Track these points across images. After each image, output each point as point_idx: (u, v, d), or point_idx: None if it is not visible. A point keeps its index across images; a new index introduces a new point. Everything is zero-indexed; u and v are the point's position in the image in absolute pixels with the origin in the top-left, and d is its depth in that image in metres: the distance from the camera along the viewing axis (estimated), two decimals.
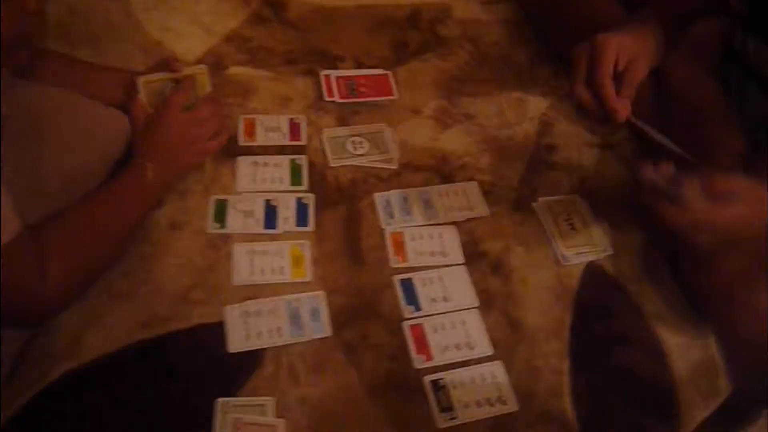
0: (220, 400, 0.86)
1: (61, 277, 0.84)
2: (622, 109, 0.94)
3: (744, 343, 0.99)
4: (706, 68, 1.15)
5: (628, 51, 0.96)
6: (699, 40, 1.18)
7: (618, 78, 0.96)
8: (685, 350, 0.99)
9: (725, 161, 1.01)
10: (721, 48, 1.15)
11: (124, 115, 1.03)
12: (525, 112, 1.27)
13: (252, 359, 0.91)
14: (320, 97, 1.23)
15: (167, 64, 1.06)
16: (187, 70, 1.06)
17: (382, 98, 1.24)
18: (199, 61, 1.25)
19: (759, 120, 1.06)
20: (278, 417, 0.86)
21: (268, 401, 0.87)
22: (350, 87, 1.24)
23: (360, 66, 1.30)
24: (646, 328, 1.01)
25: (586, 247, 1.07)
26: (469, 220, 1.09)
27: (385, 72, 1.28)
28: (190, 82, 1.04)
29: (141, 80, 1.03)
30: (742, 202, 0.81)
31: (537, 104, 1.28)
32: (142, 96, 1.02)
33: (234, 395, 0.88)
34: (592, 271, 1.06)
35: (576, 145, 1.23)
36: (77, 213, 0.90)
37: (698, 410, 0.94)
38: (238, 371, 0.90)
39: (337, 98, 1.22)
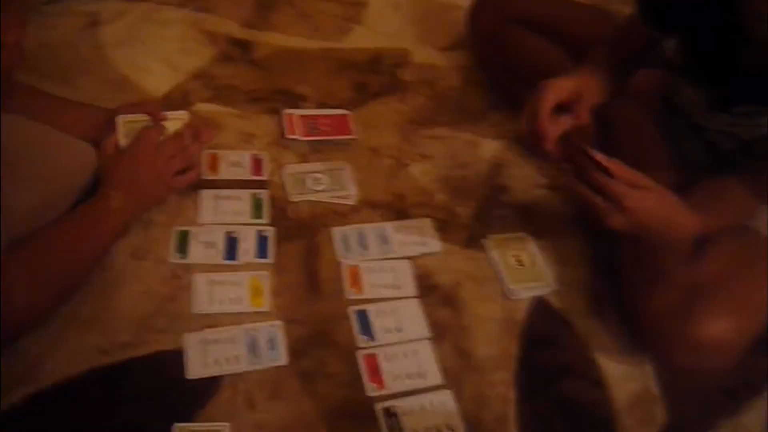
0: (178, 425, 0.88)
1: (26, 300, 0.86)
2: (549, 142, 1.05)
3: (679, 372, 1.04)
4: (646, 115, 1.24)
5: (570, 91, 1.07)
6: (640, 90, 1.26)
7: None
8: (624, 381, 1.04)
9: None
10: (660, 97, 1.24)
11: (91, 148, 1.06)
12: (478, 153, 1.33)
13: (210, 386, 0.93)
14: (282, 134, 1.28)
15: (151, 110, 1.10)
16: (171, 116, 1.11)
17: (343, 137, 1.29)
18: (166, 97, 1.29)
19: (691, 161, 1.14)
20: None
21: (225, 427, 0.89)
22: (312, 126, 1.29)
23: (322, 106, 1.35)
24: (589, 359, 1.06)
25: (533, 283, 1.13)
26: (422, 255, 1.14)
27: (345, 112, 1.34)
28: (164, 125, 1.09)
29: (120, 119, 1.07)
30: (652, 193, 0.94)
31: (490, 146, 1.35)
32: (120, 133, 1.06)
33: (192, 420, 0.90)
34: (538, 305, 1.11)
35: (526, 186, 1.29)
36: (43, 238, 0.92)
37: None
38: (196, 397, 0.92)
39: (298, 136, 1.27)
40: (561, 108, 1.09)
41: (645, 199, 0.93)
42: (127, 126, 1.08)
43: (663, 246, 1.00)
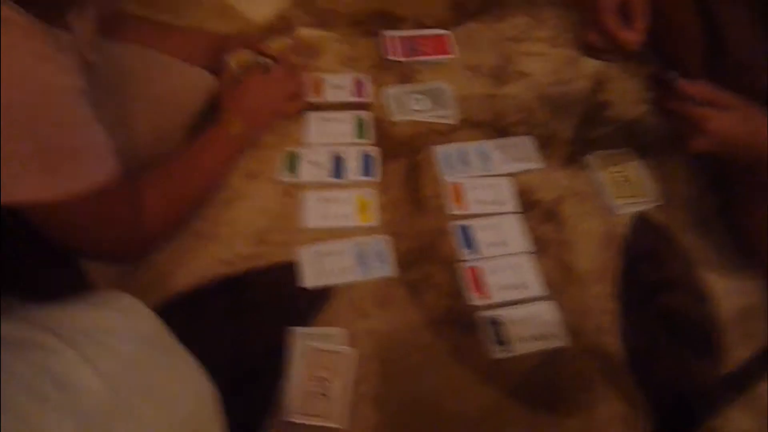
0: (296, 329, 0.96)
1: (157, 217, 0.93)
2: (631, 38, 0.97)
3: None
4: (759, 18, 1.18)
5: None
6: None
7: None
8: (730, 295, 1.04)
9: None
10: None
11: (207, 73, 1.12)
12: (579, 69, 1.31)
13: (324, 295, 1.00)
14: (383, 56, 1.30)
15: (254, 44, 1.16)
16: (273, 44, 1.17)
17: (442, 57, 1.30)
18: (269, 25, 1.33)
19: None
20: (349, 346, 0.95)
21: (339, 332, 0.96)
22: (411, 46, 1.31)
23: (420, 26, 1.36)
24: (693, 273, 1.06)
25: (636, 198, 1.13)
26: (524, 171, 1.15)
27: (444, 32, 1.34)
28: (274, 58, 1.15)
29: (231, 57, 1.13)
30: (736, 113, 0.91)
31: (591, 62, 1.32)
32: (233, 67, 1.12)
33: (308, 326, 0.97)
34: (641, 220, 1.11)
35: (629, 101, 1.27)
36: (172, 161, 0.99)
37: (740, 350, 0.99)
38: (312, 305, 0.99)
39: (399, 57, 1.29)
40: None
41: (727, 120, 0.90)
42: (238, 62, 1.13)
43: (750, 165, 0.97)
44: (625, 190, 1.13)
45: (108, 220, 0.86)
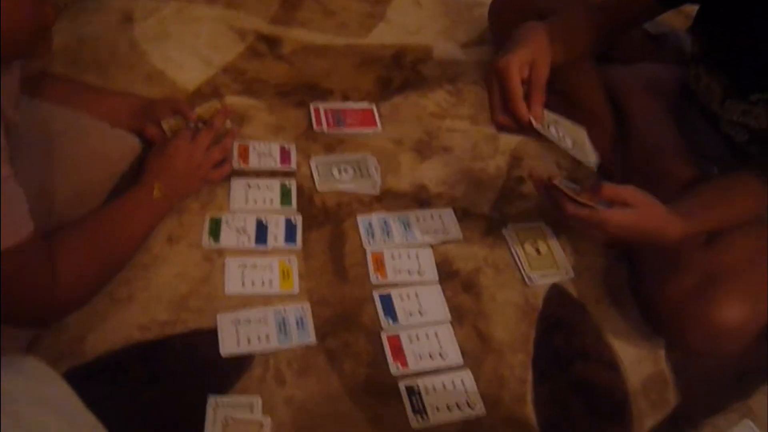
0: (212, 397, 0.94)
1: (72, 280, 0.91)
2: (535, 118, 1.02)
3: (694, 355, 1.09)
4: (664, 108, 1.27)
5: (526, 61, 1.04)
6: (658, 83, 1.30)
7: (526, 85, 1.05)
8: (638, 364, 1.09)
9: (676, 188, 1.12)
10: (678, 91, 1.27)
11: (130, 136, 1.12)
12: (497, 146, 1.37)
13: (242, 362, 0.99)
14: (310, 126, 1.33)
15: (182, 112, 1.18)
16: (203, 108, 1.20)
17: (367, 129, 1.34)
18: (197, 91, 1.35)
19: (708, 154, 1.17)
20: (265, 415, 0.93)
21: (256, 400, 0.95)
22: (338, 118, 1.34)
23: (347, 99, 1.40)
24: (604, 343, 1.10)
25: (550, 270, 1.17)
26: (444, 242, 1.18)
27: (369, 106, 1.39)
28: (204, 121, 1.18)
29: (164, 123, 1.16)
30: (634, 211, 0.96)
31: (508, 140, 1.39)
32: (165, 131, 1.15)
33: (225, 394, 0.95)
34: (555, 291, 1.16)
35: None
36: (89, 223, 0.98)
37: (648, 418, 1.03)
38: (229, 373, 0.97)
39: (325, 128, 1.32)
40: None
41: (626, 220, 0.96)
42: (171, 128, 1.16)
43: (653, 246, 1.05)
44: (539, 263, 1.18)
45: (21, 281, 0.84)
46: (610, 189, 0.97)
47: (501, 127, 1.06)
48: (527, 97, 1.03)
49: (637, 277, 1.15)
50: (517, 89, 1.02)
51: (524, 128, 1.03)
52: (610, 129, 1.30)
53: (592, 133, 1.10)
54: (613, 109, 1.31)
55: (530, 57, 1.04)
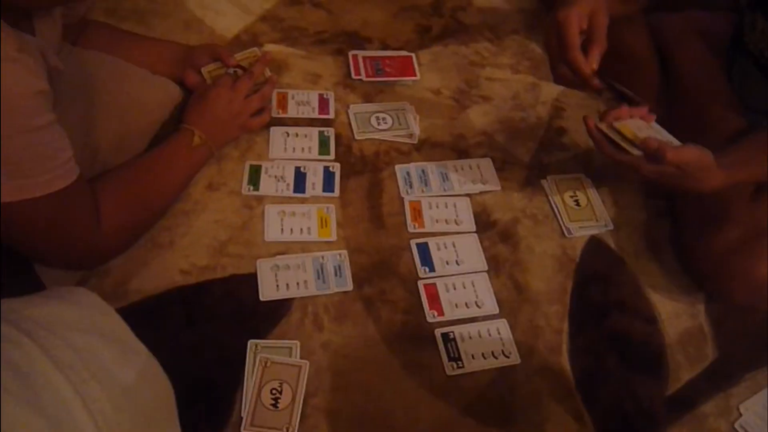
0: (251, 341, 0.96)
1: (115, 225, 0.93)
2: (593, 78, 1.02)
3: (737, 308, 1.08)
4: (713, 56, 1.24)
5: (585, 13, 1.03)
6: (708, 31, 1.26)
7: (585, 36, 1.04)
8: (676, 318, 1.08)
9: (722, 138, 1.09)
10: (729, 40, 1.23)
11: (171, 83, 1.13)
12: (538, 96, 1.35)
13: (281, 307, 1.00)
14: (348, 75, 1.32)
15: (222, 58, 1.18)
16: (241, 55, 1.19)
17: (406, 78, 1.33)
18: (236, 39, 1.34)
19: (757, 106, 1.14)
20: (302, 359, 0.96)
21: (294, 344, 0.97)
22: (376, 67, 1.33)
23: (386, 48, 1.38)
24: (642, 296, 1.09)
25: (589, 222, 1.16)
26: (482, 192, 1.18)
27: (409, 54, 1.37)
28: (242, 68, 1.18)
29: (204, 70, 1.17)
30: (690, 149, 0.95)
31: (550, 90, 1.36)
32: (206, 78, 1.16)
33: (264, 338, 0.97)
34: (593, 243, 1.15)
35: (584, 129, 1.30)
36: (131, 169, 1.00)
37: (685, 371, 1.03)
38: (268, 317, 0.99)
39: (363, 77, 1.31)
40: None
41: (685, 154, 0.95)
42: (211, 74, 1.16)
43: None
44: (578, 215, 1.16)
45: (66, 225, 0.86)
46: (674, 155, 0.94)
47: (560, 80, 1.06)
48: (585, 50, 1.02)
49: (679, 230, 1.14)
50: (576, 40, 1.01)
51: (583, 82, 1.03)
52: (656, 80, 1.26)
53: (637, 84, 1.08)
54: (660, 57, 1.28)
55: (589, 9, 1.03)
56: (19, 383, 0.37)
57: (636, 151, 0.97)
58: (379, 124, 1.24)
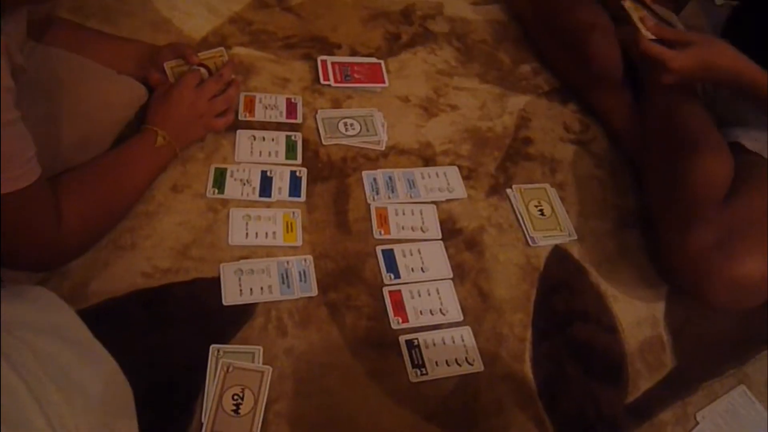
0: (214, 346, 0.95)
1: (75, 225, 0.91)
2: None
3: (696, 317, 1.10)
4: None
5: None
6: None
7: None
8: (636, 327, 1.10)
9: None
10: None
11: (136, 83, 1.11)
12: (505, 106, 1.37)
13: (244, 312, 0.99)
14: (316, 80, 1.31)
15: (187, 53, 1.16)
16: (206, 54, 1.18)
17: (374, 85, 1.33)
18: (204, 40, 1.33)
19: None
20: (265, 364, 0.95)
21: (257, 349, 0.96)
22: (345, 72, 1.33)
23: (355, 54, 1.39)
24: (604, 306, 1.11)
25: (553, 231, 1.17)
26: (448, 200, 1.18)
27: (378, 61, 1.37)
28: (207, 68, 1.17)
29: (167, 65, 1.15)
30: (696, 47, 1.09)
31: (517, 100, 1.38)
32: (170, 78, 1.13)
33: (227, 343, 0.96)
34: (557, 253, 1.16)
35: (551, 139, 1.33)
36: (93, 169, 0.98)
37: (644, 380, 1.05)
38: (231, 322, 0.98)
39: (332, 82, 1.31)
40: None
41: (686, 59, 1.08)
42: (173, 70, 1.13)
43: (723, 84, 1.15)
44: (543, 224, 1.18)
45: (26, 224, 0.84)
46: (674, 31, 1.11)
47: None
48: None
49: (655, 232, 1.15)
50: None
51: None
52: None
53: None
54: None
55: None
56: None
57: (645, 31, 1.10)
58: (347, 129, 1.24)
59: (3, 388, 0.36)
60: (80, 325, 0.48)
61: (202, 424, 0.88)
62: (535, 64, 1.46)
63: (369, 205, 1.15)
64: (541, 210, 1.20)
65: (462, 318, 1.04)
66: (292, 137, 1.21)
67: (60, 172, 0.97)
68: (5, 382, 0.37)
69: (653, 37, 1.11)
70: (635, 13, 1.12)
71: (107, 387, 0.45)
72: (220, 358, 0.94)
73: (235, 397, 0.91)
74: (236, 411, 0.90)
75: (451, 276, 1.09)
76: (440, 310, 1.04)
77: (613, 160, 1.32)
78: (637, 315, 1.11)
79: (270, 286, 1.02)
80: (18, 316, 0.42)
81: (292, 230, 1.09)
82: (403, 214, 1.14)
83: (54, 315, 0.46)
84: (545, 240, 1.16)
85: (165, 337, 0.96)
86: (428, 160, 1.24)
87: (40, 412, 0.38)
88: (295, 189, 1.14)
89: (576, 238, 1.17)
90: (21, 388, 0.38)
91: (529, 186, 1.23)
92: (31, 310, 0.44)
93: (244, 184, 1.13)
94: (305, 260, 1.06)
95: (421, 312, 1.03)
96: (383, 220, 1.13)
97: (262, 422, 0.89)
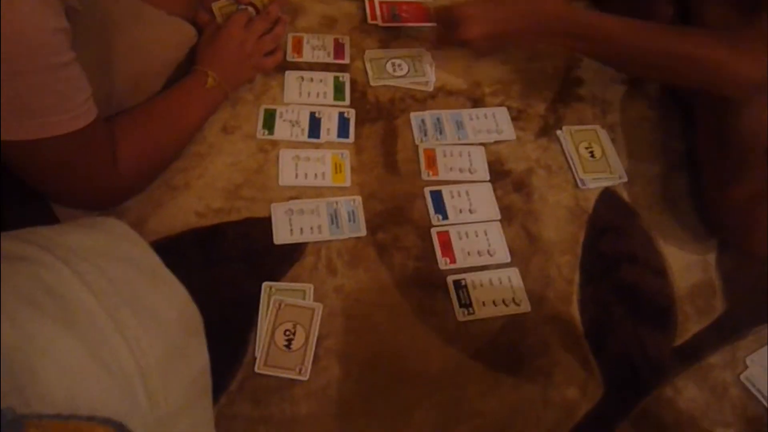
0: (266, 283, 0.97)
1: (131, 165, 0.94)
2: None
3: (747, 263, 1.08)
4: None
5: None
6: None
7: None
8: (686, 271, 1.08)
9: None
10: None
11: (187, 24, 1.12)
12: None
13: (294, 251, 1.01)
14: (364, 20, 1.30)
15: None
16: None
17: (423, 25, 1.31)
18: None
19: None
20: (316, 302, 0.97)
21: (308, 287, 0.98)
22: (393, 12, 1.31)
23: None
24: (653, 249, 1.10)
25: (603, 174, 1.16)
26: (496, 142, 1.17)
27: (426, 0, 1.35)
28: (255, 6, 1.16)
29: (215, 6, 1.14)
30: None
31: None
32: (218, 19, 1.12)
33: (277, 281, 0.98)
34: (607, 195, 1.15)
35: (602, 80, 1.30)
36: (146, 111, 1.00)
37: (693, 324, 1.04)
38: (282, 260, 1.00)
39: (379, 22, 1.29)
40: None
41: (476, 8, 1.04)
42: (221, 10, 1.13)
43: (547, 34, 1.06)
44: (593, 166, 1.16)
45: (84, 165, 0.87)
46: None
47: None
48: None
49: (700, 180, 1.13)
50: None
51: None
52: None
53: None
54: None
55: None
56: (54, 305, 0.38)
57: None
58: (394, 70, 1.23)
59: (81, 312, 0.38)
60: (153, 256, 0.50)
61: (255, 358, 0.91)
62: (588, 2, 1.42)
63: (417, 146, 1.14)
64: (591, 152, 1.18)
65: (509, 259, 1.05)
66: (340, 78, 1.21)
67: (113, 113, 0.99)
68: (84, 306, 0.39)
69: None
70: None
71: (180, 316, 0.47)
72: (272, 295, 0.96)
73: (287, 332, 0.93)
74: (288, 346, 0.93)
75: (499, 217, 1.09)
76: (488, 251, 1.05)
77: (666, 102, 1.28)
78: (687, 259, 1.09)
79: (319, 226, 1.03)
80: (94, 245, 0.44)
81: (340, 171, 1.09)
82: (451, 155, 1.14)
83: (128, 245, 0.48)
84: (595, 182, 1.15)
85: (219, 274, 0.98)
86: (477, 101, 1.22)
87: (118, 334, 0.40)
88: (343, 130, 1.14)
89: (626, 180, 1.16)
90: (99, 311, 0.40)
91: (580, 127, 1.21)
92: (106, 239, 0.46)
93: (294, 125, 1.13)
94: (354, 201, 1.07)
95: (468, 253, 1.04)
96: (431, 161, 1.13)
97: (313, 357, 0.92)
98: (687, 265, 1.09)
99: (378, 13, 1.31)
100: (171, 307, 0.46)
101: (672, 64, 0.99)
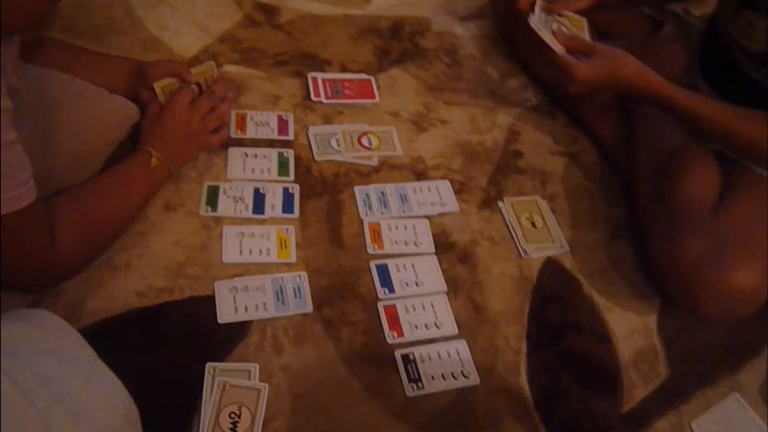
0: (210, 364, 0.94)
1: (70, 246, 0.91)
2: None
3: (688, 326, 1.11)
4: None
5: None
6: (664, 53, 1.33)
7: None
8: (630, 337, 1.10)
9: None
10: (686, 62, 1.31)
11: (128, 102, 1.11)
12: (495, 120, 1.38)
13: (239, 330, 0.99)
14: (307, 97, 1.32)
15: (178, 71, 1.15)
16: (198, 69, 1.16)
17: (365, 101, 1.34)
18: (194, 59, 1.34)
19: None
20: (262, 382, 0.94)
21: (253, 367, 0.95)
22: (336, 89, 1.34)
23: (345, 70, 1.40)
24: (597, 316, 1.12)
25: (545, 243, 1.18)
26: (440, 214, 1.19)
27: (368, 77, 1.38)
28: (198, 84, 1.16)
29: (157, 84, 1.13)
30: (601, 58, 1.13)
31: (506, 114, 1.39)
32: (159, 97, 1.12)
33: (222, 361, 0.96)
34: (550, 265, 1.17)
35: (540, 152, 1.34)
36: (88, 190, 0.98)
37: (638, 390, 1.05)
38: (227, 340, 0.98)
39: (323, 99, 1.32)
40: None
41: (590, 68, 1.12)
42: (164, 89, 1.13)
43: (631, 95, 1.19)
44: (534, 236, 1.19)
45: (22, 245, 0.84)
46: (579, 41, 1.16)
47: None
48: None
49: (647, 243, 1.16)
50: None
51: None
52: None
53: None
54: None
55: None
56: None
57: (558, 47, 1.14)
58: (338, 145, 1.25)
59: (11, 411, 0.36)
60: (85, 348, 0.48)
61: None
62: (523, 78, 1.48)
63: (362, 220, 1.15)
64: (532, 222, 1.21)
65: (457, 331, 1.05)
66: (284, 154, 1.21)
67: (52, 192, 0.97)
68: (14, 405, 0.37)
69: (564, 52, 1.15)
70: (545, 33, 1.15)
71: (116, 410, 0.45)
72: (216, 376, 0.94)
73: (232, 415, 0.91)
74: (233, 429, 0.90)
75: (445, 289, 1.09)
76: (435, 323, 1.05)
77: (603, 171, 1.33)
78: (630, 325, 1.11)
79: (265, 303, 1.02)
80: (25, 340, 0.42)
81: (285, 247, 1.09)
82: (396, 229, 1.15)
83: (60, 339, 0.46)
84: (537, 252, 1.17)
85: (161, 355, 0.95)
86: (420, 175, 1.24)
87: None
88: (288, 205, 1.14)
89: (568, 249, 1.18)
90: (30, 411, 0.38)
91: (521, 199, 1.24)
92: (37, 333, 0.44)
93: (237, 202, 1.13)
94: (299, 276, 1.06)
95: (416, 326, 1.04)
96: (376, 235, 1.13)
97: None
98: (630, 332, 1.11)
99: (321, 90, 1.33)
100: (105, 403, 0.44)
101: (727, 138, 1.12)
